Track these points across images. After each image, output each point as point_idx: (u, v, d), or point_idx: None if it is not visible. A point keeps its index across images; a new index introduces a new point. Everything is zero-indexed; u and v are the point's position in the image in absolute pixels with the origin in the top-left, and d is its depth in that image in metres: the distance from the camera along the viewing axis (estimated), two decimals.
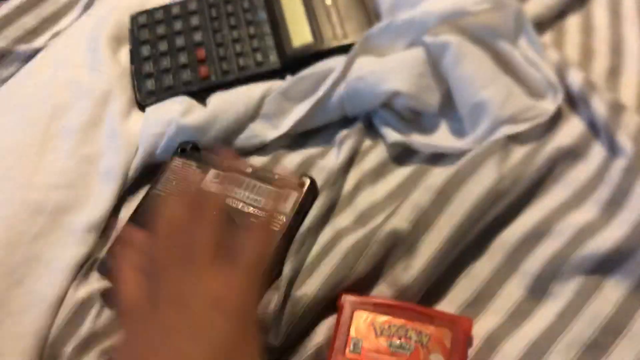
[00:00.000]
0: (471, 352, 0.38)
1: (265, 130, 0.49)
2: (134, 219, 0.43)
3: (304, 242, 0.42)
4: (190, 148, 0.47)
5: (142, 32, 0.55)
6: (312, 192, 0.44)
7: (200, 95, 0.51)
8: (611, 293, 0.38)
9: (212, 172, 0.44)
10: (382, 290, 0.40)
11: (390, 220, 0.42)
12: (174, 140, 0.47)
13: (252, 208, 0.42)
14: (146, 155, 0.48)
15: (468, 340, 0.37)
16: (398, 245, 0.41)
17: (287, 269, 0.40)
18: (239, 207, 0.42)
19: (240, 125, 0.49)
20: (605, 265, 0.39)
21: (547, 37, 0.53)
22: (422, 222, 0.42)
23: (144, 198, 0.45)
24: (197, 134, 0.48)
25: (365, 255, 0.40)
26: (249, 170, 0.44)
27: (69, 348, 0.39)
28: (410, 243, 0.41)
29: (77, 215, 0.44)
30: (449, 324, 0.37)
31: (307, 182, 0.44)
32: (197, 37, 0.54)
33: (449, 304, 0.40)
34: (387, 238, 0.41)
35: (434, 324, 0.37)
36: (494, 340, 0.38)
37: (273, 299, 0.39)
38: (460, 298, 0.40)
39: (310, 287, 0.40)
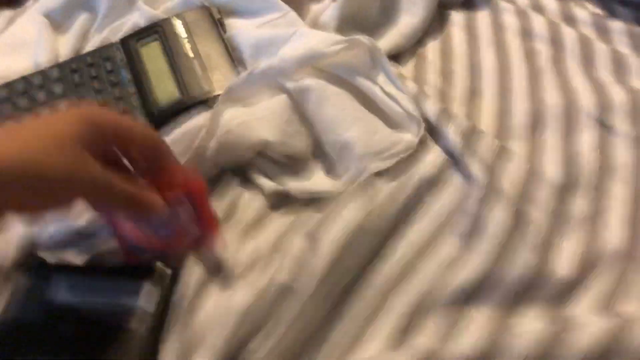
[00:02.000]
0: None
1: None
2: None
3: (184, 318, 0.41)
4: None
5: (4, 107, 0.53)
6: (173, 283, 0.42)
7: None
8: (475, 323, 0.39)
9: None
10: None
11: (273, 277, 0.42)
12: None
13: (104, 306, 0.40)
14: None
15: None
16: (282, 301, 0.41)
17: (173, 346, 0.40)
18: (92, 310, 0.39)
19: None
20: (468, 297, 0.40)
21: (409, 65, 0.54)
22: (303, 271, 0.42)
23: None
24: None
25: (254, 317, 0.40)
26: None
27: None
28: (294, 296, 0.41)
29: None
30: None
31: (168, 274, 0.42)
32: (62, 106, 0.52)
33: (323, 348, 0.40)
34: (273, 297, 0.41)
35: None
36: None
37: None
38: (337, 342, 0.40)
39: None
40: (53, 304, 0.40)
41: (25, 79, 0.54)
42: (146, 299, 0.40)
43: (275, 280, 0.42)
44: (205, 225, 0.42)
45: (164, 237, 0.41)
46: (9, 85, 0.54)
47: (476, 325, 0.39)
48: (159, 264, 0.42)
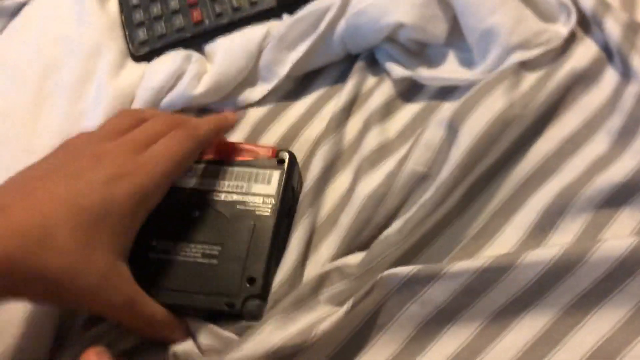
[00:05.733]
0: None
1: (262, 86, 0.47)
2: None
3: (312, 202, 0.41)
4: None
5: None
6: (293, 165, 0.41)
7: (195, 39, 0.49)
8: (623, 228, 0.37)
9: None
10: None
11: (406, 164, 0.41)
12: (179, 103, 0.47)
13: (235, 195, 0.40)
14: (146, 107, 0.46)
15: None
16: (416, 188, 0.40)
17: (300, 233, 0.39)
18: (223, 198, 0.40)
19: (244, 79, 0.48)
20: (617, 199, 0.37)
21: None
22: (438, 161, 0.40)
23: None
24: (204, 99, 0.47)
25: (385, 201, 0.40)
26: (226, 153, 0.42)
27: None
28: (429, 183, 0.40)
29: None
30: None
31: (286, 157, 0.41)
32: None
33: (454, 236, 0.39)
34: (406, 182, 0.40)
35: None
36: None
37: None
38: (464, 232, 0.39)
39: (329, 246, 0.39)
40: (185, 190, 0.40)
41: None
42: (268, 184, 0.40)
43: (409, 167, 0.40)
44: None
45: None
46: None
47: (626, 230, 0.37)
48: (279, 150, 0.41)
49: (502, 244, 0.38)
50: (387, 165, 0.42)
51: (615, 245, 0.34)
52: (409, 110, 0.45)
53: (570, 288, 0.34)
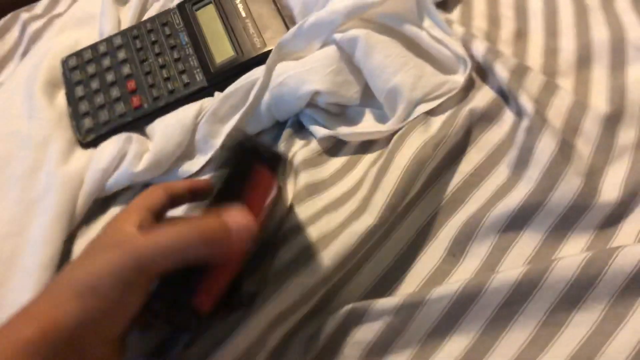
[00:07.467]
0: None
1: (200, 158, 0.52)
2: None
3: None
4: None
5: (74, 73, 0.57)
6: None
7: (136, 122, 0.54)
8: (525, 249, 0.41)
9: None
10: None
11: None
12: (123, 180, 0.51)
13: None
14: (95, 188, 0.50)
15: None
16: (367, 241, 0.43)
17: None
18: None
19: (182, 153, 0.52)
20: (516, 223, 0.41)
21: (456, 12, 0.55)
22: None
23: None
24: (146, 175, 0.51)
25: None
26: None
27: None
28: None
29: (31, 259, 0.46)
30: None
31: None
32: (126, 69, 0.56)
33: (372, 270, 0.43)
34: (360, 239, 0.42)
35: None
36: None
37: None
38: (382, 263, 0.43)
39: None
40: None
41: (92, 48, 0.58)
42: None
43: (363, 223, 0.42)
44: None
45: None
46: (78, 54, 0.58)
47: (528, 249, 0.41)
48: None
49: (419, 272, 0.42)
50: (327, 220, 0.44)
51: (509, 275, 0.38)
52: (333, 164, 0.49)
53: (475, 316, 0.38)
